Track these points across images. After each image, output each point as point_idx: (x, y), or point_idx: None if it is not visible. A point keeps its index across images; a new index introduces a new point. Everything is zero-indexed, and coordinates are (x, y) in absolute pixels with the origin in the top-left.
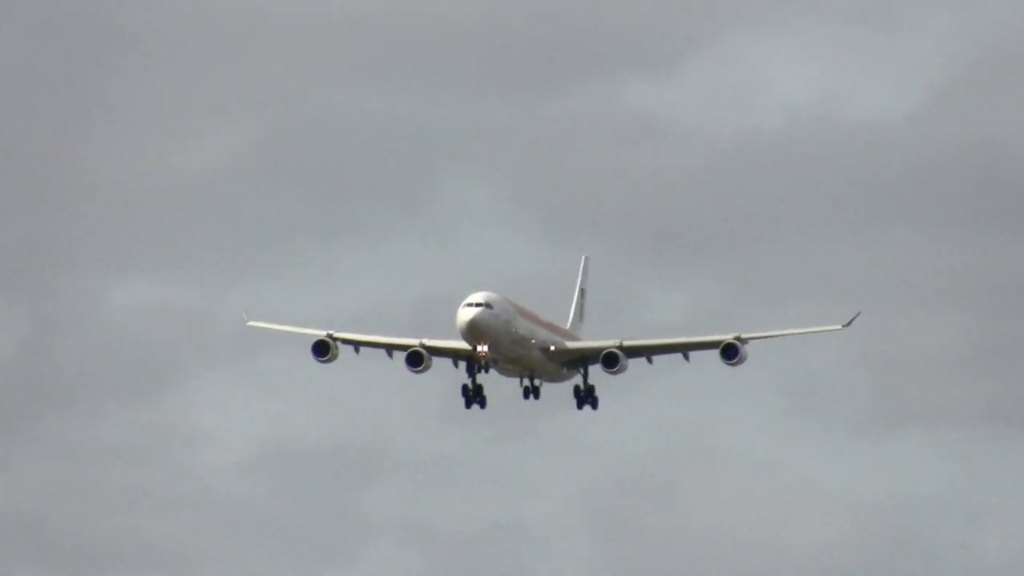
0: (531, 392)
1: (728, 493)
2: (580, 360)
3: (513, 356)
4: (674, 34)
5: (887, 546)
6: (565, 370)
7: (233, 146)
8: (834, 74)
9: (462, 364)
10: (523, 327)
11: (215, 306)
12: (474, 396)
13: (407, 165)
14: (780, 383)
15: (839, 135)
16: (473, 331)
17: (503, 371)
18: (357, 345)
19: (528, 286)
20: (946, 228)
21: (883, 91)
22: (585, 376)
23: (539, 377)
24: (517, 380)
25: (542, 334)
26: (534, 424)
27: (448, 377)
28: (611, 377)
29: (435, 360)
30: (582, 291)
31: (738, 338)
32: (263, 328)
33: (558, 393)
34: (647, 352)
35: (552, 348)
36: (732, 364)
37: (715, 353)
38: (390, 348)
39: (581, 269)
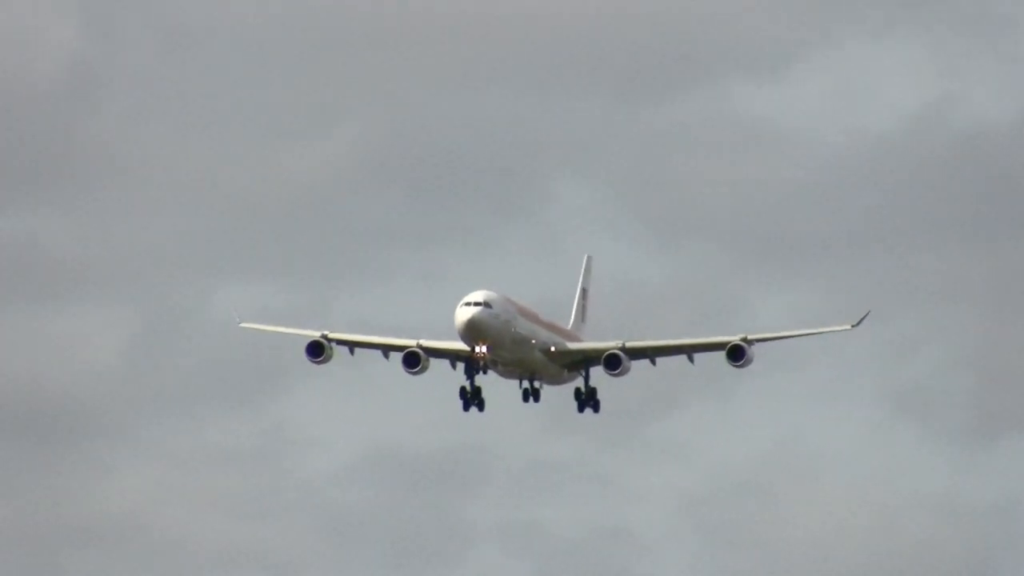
0: (531, 394)
1: (827, 497)
2: (582, 361)
3: (513, 357)
4: (782, 39)
5: (979, 551)
6: (566, 372)
7: (340, 151)
8: (944, 78)
9: (460, 365)
10: (523, 327)
11: (323, 311)
12: (472, 398)
13: (514, 171)
14: (881, 385)
15: (949, 140)
16: (472, 331)
17: (502, 373)
18: (352, 346)
19: (634, 291)
20: None
21: (993, 95)
22: (587, 378)
23: (539, 379)
24: (516, 382)
25: (543, 334)
26: (633, 429)
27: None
28: (614, 379)
29: (433, 362)
30: (584, 291)
31: (744, 339)
32: (255, 329)
33: (559, 396)
34: (651, 354)
35: (553, 349)
36: (738, 366)
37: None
38: (387, 349)
39: (583, 268)
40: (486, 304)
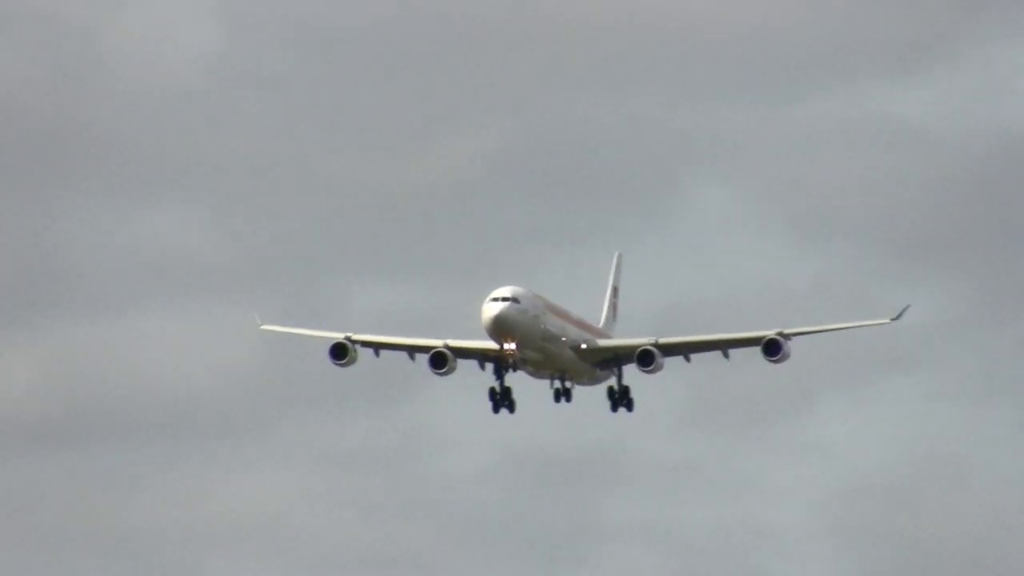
0: (562, 395)
1: (967, 500)
2: (614, 359)
3: (543, 355)
4: (921, 37)
5: None
6: (598, 371)
7: (476, 152)
8: None
9: (490, 367)
10: (553, 324)
11: (458, 312)
12: (502, 399)
13: (651, 170)
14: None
15: None
16: (499, 327)
17: (532, 372)
18: (377, 348)
19: (773, 291)
20: None
21: None
22: (619, 377)
23: (570, 379)
24: (547, 382)
25: (573, 332)
26: (767, 427)
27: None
28: (649, 377)
29: (460, 362)
30: (615, 289)
31: (780, 334)
32: (277, 331)
33: (592, 395)
34: (684, 350)
35: (584, 346)
36: (775, 361)
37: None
38: (412, 350)
39: (614, 266)
40: (514, 299)
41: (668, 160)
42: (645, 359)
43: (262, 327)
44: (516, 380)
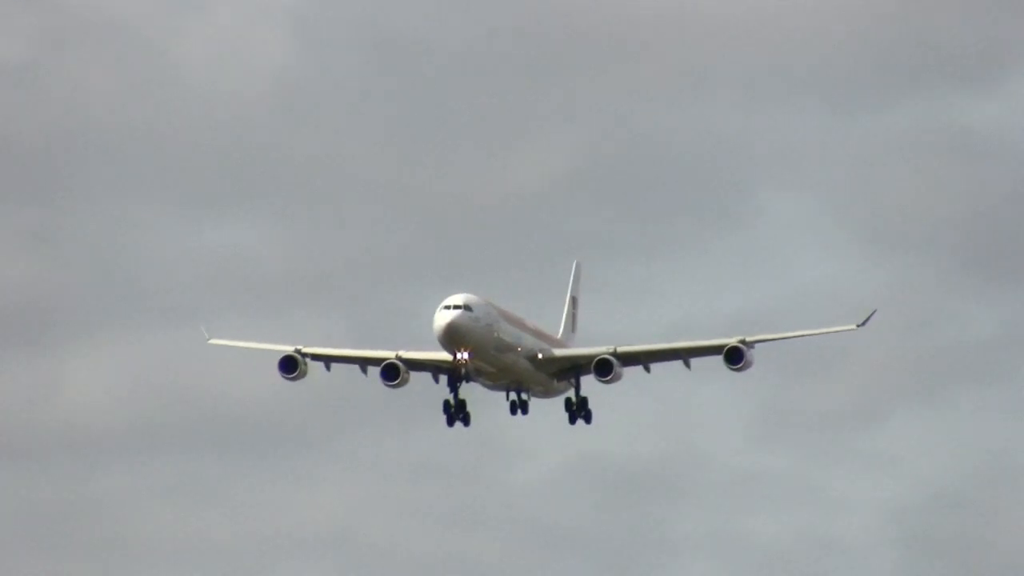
0: (518, 407)
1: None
2: (571, 369)
3: (498, 365)
4: (995, 48)
5: None
6: (555, 382)
7: (552, 163)
8: None
9: (444, 378)
10: (507, 333)
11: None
12: (457, 412)
13: (725, 180)
14: None
15: None
16: (451, 336)
17: (487, 384)
18: (328, 360)
19: (845, 301)
20: None
21: None
22: (577, 387)
23: (527, 390)
24: (503, 394)
25: (529, 341)
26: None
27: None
28: (607, 388)
29: (415, 374)
30: (573, 299)
31: (743, 341)
32: (225, 345)
33: (550, 407)
34: (644, 358)
35: (540, 356)
36: (737, 370)
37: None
38: (364, 362)
39: (572, 275)
40: (466, 307)
41: (742, 170)
42: (603, 369)
43: (210, 341)
44: (471, 393)
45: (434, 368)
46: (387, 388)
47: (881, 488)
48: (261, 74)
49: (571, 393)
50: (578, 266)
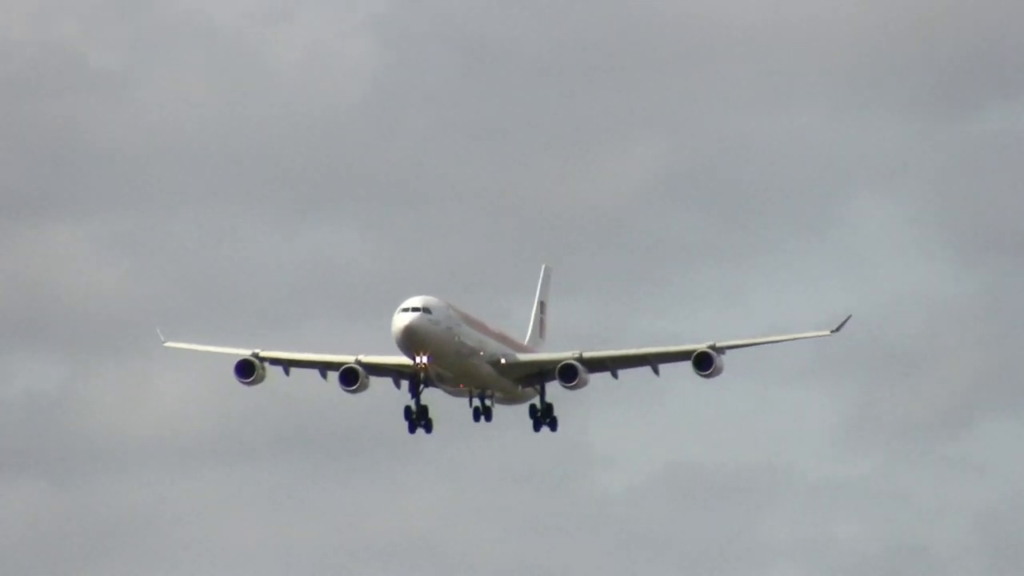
0: (482, 413)
1: None
2: (536, 375)
3: (459, 370)
4: None
5: None
6: (520, 388)
7: (643, 169)
8: None
9: (405, 384)
10: (469, 336)
11: (623, 328)
12: (419, 419)
13: (818, 186)
14: None
15: None
16: (410, 339)
17: (450, 390)
18: (287, 365)
19: (940, 308)
20: None
21: None
22: (542, 394)
23: (491, 396)
24: (466, 400)
25: (491, 345)
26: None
27: None
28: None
29: (375, 379)
30: (542, 304)
31: (713, 347)
32: (181, 348)
33: (514, 414)
34: (610, 364)
35: (503, 361)
36: (706, 376)
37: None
38: (323, 367)
39: (541, 279)
40: (425, 309)
41: (834, 176)
42: (567, 374)
43: (165, 344)
44: (433, 399)
45: (395, 373)
46: (346, 393)
47: (973, 495)
48: (350, 80)
49: (537, 400)
50: (547, 270)
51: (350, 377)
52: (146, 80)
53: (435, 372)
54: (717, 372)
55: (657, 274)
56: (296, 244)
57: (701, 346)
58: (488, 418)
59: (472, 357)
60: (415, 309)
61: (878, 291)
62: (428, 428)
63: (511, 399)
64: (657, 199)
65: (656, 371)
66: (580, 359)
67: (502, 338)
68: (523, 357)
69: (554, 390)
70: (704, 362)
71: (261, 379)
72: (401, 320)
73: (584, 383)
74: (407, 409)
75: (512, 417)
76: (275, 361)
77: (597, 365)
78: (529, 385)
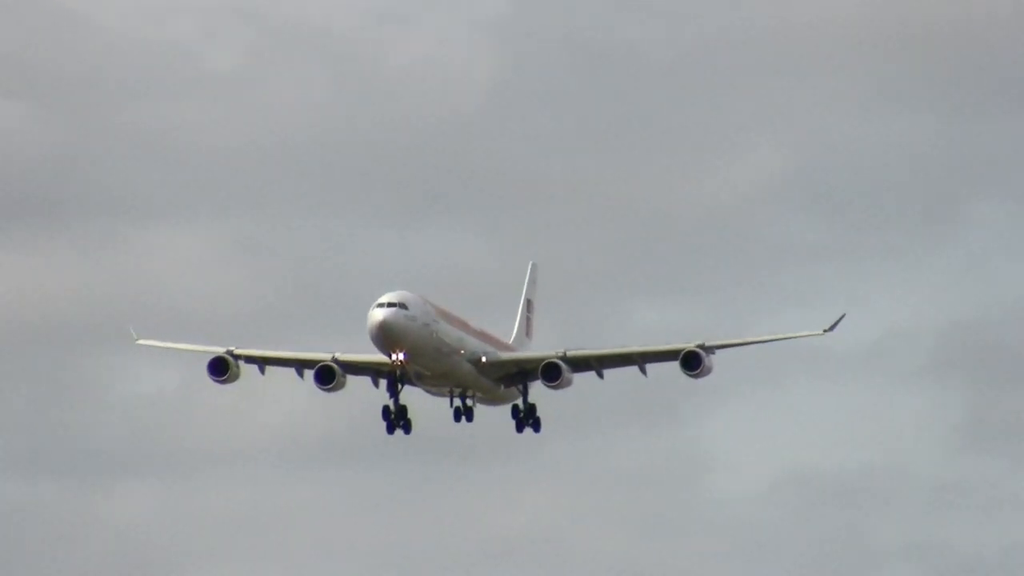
0: (463, 413)
1: None
2: (518, 374)
3: (438, 368)
4: None
5: None
6: (502, 387)
7: (756, 172)
8: None
9: (383, 383)
10: (448, 334)
11: (735, 329)
12: (397, 419)
13: (933, 190)
14: None
15: None
16: (385, 335)
17: (430, 390)
18: (262, 363)
19: None
20: None
21: None
22: (525, 394)
23: (472, 396)
24: (446, 400)
25: (472, 343)
26: None
27: None
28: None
29: (353, 378)
30: (528, 302)
31: (701, 346)
32: (154, 346)
33: (497, 415)
34: (595, 364)
35: (484, 360)
36: (694, 376)
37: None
38: (299, 364)
39: (527, 278)
40: (401, 305)
41: (950, 179)
42: (550, 373)
43: (137, 341)
44: (413, 398)
45: (372, 371)
46: (322, 392)
47: None
48: (467, 83)
49: (519, 400)
50: (534, 267)
51: (326, 375)
52: (265, 83)
53: (413, 370)
54: (706, 372)
55: (771, 276)
56: (413, 246)
57: (689, 345)
58: (469, 418)
59: (451, 355)
60: (390, 304)
61: (997, 296)
62: (407, 429)
63: (494, 399)
64: (774, 201)
65: (643, 371)
66: (564, 358)
67: (483, 336)
68: (505, 356)
69: (538, 390)
70: (692, 362)
71: (236, 377)
72: (376, 316)
73: (568, 383)
74: (385, 409)
75: (494, 417)
76: (250, 359)
77: (582, 364)
78: (512, 385)
